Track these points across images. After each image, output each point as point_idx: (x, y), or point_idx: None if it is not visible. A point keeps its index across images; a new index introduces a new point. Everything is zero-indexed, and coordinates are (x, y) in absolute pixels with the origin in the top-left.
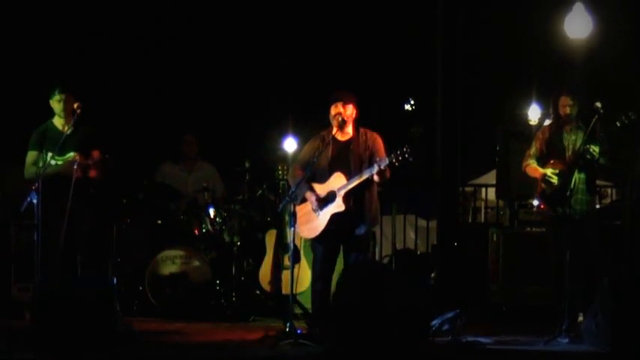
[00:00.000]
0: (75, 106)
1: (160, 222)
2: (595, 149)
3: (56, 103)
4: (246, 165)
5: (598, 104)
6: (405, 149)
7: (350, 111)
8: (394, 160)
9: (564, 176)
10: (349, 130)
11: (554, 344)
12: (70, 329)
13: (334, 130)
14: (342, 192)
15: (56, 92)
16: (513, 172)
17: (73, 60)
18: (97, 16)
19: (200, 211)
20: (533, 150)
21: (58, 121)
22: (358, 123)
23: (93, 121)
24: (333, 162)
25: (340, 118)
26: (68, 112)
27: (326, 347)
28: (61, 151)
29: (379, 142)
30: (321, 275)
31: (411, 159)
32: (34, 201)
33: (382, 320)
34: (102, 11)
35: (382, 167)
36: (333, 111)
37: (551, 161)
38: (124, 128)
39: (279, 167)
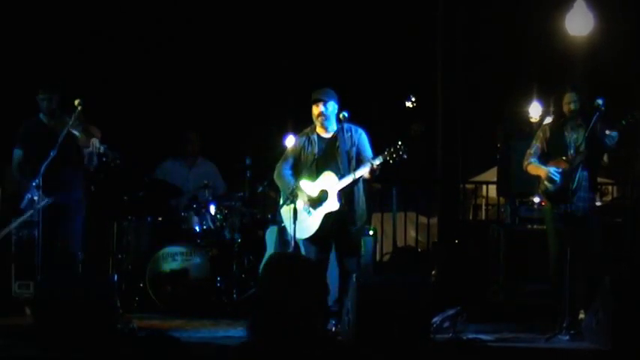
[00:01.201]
0: (76, 103)
1: (160, 219)
2: (613, 136)
3: (40, 102)
4: (247, 162)
5: (599, 101)
6: (399, 146)
7: (331, 108)
8: (388, 158)
9: (567, 174)
10: (333, 126)
11: (555, 341)
12: (71, 326)
13: (318, 127)
14: (335, 191)
15: (40, 91)
16: (514, 170)
17: (73, 59)
18: (97, 16)
19: (201, 207)
20: (534, 149)
21: (44, 118)
22: (343, 118)
23: (94, 119)
24: (320, 159)
25: (323, 118)
26: (50, 111)
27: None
28: (61, 148)
29: (364, 138)
30: None
31: (405, 156)
32: (35, 198)
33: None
34: (102, 11)
35: (375, 166)
36: (315, 111)
37: (554, 159)
38: (124, 126)
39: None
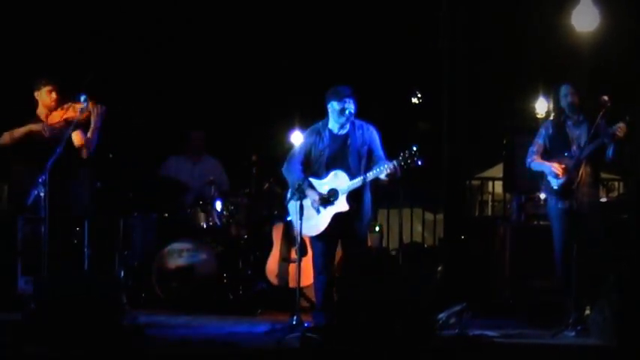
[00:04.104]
0: (82, 99)
1: (166, 215)
2: (622, 126)
3: (47, 94)
4: (253, 158)
5: (605, 97)
6: (414, 152)
7: (354, 106)
8: (402, 163)
9: (571, 169)
10: (348, 124)
11: (561, 338)
12: (77, 322)
13: (332, 123)
14: (345, 192)
15: (44, 83)
16: (520, 166)
17: (76, 58)
18: (99, 15)
19: (207, 204)
20: (536, 146)
21: (44, 115)
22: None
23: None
24: (330, 157)
25: (350, 113)
26: (53, 105)
27: (328, 343)
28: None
29: (375, 136)
30: (322, 269)
31: (420, 162)
32: (41, 194)
33: (386, 312)
34: (104, 9)
35: (390, 171)
36: (339, 106)
37: (557, 155)
38: (130, 124)
39: None
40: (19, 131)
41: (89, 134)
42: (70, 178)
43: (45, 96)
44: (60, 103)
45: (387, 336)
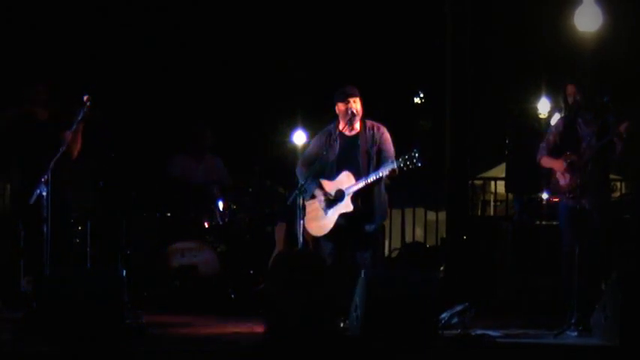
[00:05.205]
0: (85, 99)
1: (169, 214)
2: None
3: (35, 94)
4: (256, 158)
5: (605, 98)
6: (413, 154)
7: (360, 105)
8: (402, 166)
9: (579, 168)
10: (356, 124)
11: (564, 337)
12: (80, 321)
13: (342, 125)
14: (351, 192)
15: (35, 82)
16: (523, 165)
17: (84, 55)
18: (106, 13)
19: (210, 203)
20: (547, 142)
21: (38, 113)
22: (364, 116)
23: (105, 116)
24: (340, 158)
25: (353, 113)
26: (46, 104)
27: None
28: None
29: (387, 137)
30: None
31: (420, 164)
32: (44, 193)
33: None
34: (112, 7)
35: (390, 173)
36: (343, 106)
37: (567, 153)
38: (135, 123)
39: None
40: (14, 109)
41: (71, 137)
42: (61, 178)
43: (35, 95)
44: (50, 103)
45: (390, 334)
